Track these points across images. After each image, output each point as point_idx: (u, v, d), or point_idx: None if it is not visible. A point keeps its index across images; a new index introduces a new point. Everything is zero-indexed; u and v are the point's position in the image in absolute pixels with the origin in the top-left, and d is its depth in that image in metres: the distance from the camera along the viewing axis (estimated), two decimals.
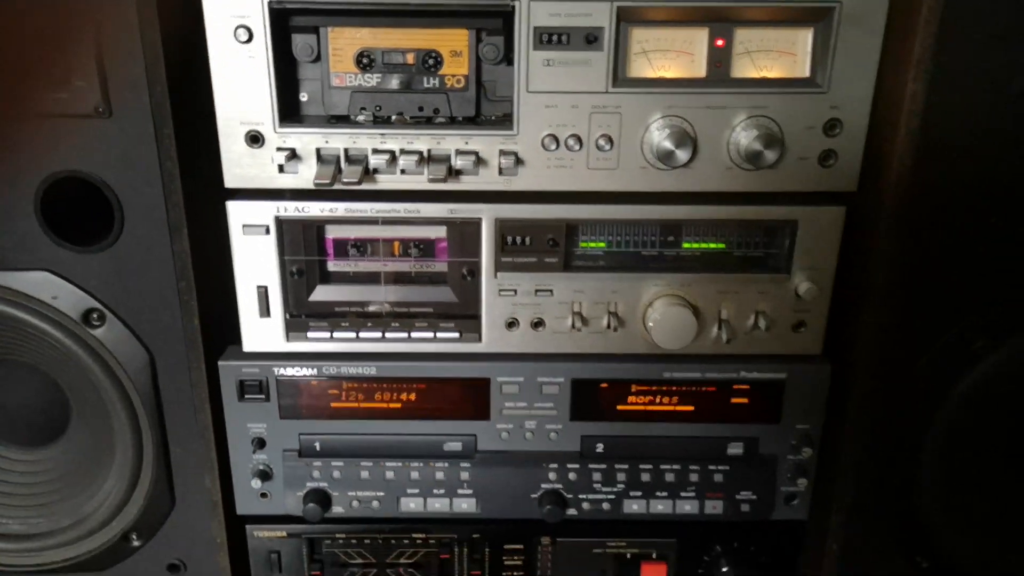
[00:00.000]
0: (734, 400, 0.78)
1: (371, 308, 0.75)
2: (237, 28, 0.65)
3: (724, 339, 0.74)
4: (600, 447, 0.79)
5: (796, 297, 0.74)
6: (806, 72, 0.68)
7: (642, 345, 0.76)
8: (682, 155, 0.67)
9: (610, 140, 0.69)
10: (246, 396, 0.77)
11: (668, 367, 0.76)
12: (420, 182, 0.70)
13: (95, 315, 0.75)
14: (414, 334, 0.75)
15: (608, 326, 0.75)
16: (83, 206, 0.73)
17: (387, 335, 0.75)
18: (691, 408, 0.78)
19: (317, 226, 0.72)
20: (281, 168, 0.69)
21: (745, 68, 0.68)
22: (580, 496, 0.79)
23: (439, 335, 0.75)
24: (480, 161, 0.69)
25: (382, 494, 0.80)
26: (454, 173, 0.70)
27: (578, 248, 0.74)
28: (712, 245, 0.74)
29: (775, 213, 0.71)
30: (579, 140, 0.69)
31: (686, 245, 0.74)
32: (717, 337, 0.75)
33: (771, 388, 0.77)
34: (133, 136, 0.69)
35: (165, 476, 0.81)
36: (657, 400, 0.78)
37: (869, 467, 0.76)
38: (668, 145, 0.67)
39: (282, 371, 0.76)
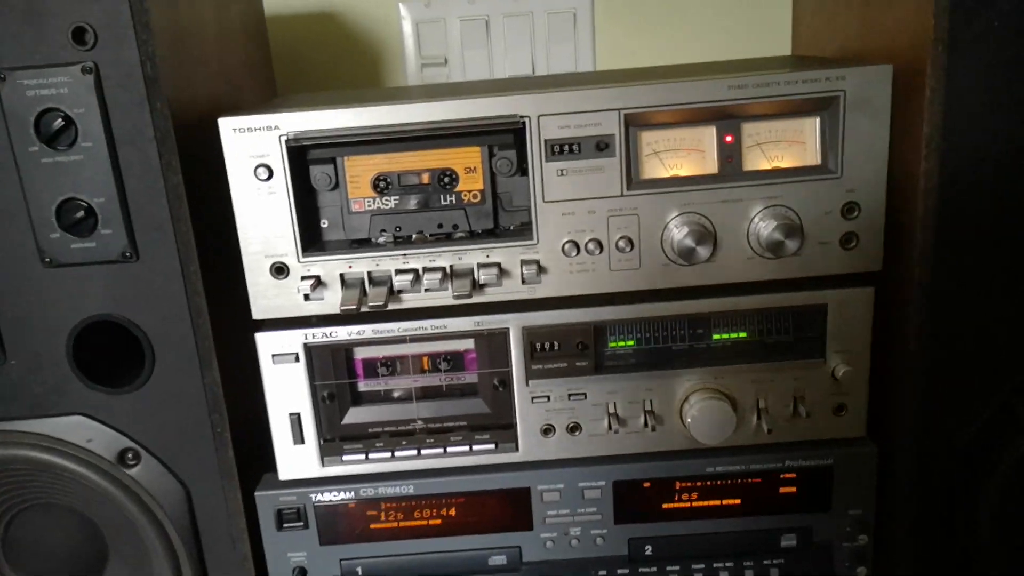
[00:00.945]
0: (782, 490, 0.76)
1: (405, 427, 0.74)
2: (257, 167, 0.67)
3: (765, 429, 0.73)
4: (649, 549, 0.77)
5: (833, 380, 0.73)
6: (817, 159, 0.68)
7: (682, 441, 0.75)
8: (703, 251, 0.67)
9: (630, 241, 0.69)
10: (284, 525, 0.76)
11: (711, 462, 0.75)
12: (445, 298, 0.70)
13: (130, 455, 0.75)
14: (450, 448, 0.74)
15: (645, 425, 0.74)
16: (114, 346, 0.74)
17: (423, 452, 0.74)
18: (738, 502, 0.76)
19: (345, 349, 0.73)
20: (307, 296, 0.70)
21: (757, 160, 0.68)
22: None
23: (475, 447, 0.74)
24: (503, 272, 0.70)
25: None
26: (478, 286, 0.70)
27: (608, 348, 0.73)
28: (742, 335, 0.74)
29: (802, 299, 0.70)
30: (599, 244, 0.69)
31: (716, 337, 0.74)
32: (757, 427, 0.74)
33: (819, 475, 0.75)
34: (160, 276, 0.70)
35: None
36: (703, 496, 0.76)
37: (927, 547, 0.73)
38: (689, 243, 0.67)
39: (319, 496, 0.75)
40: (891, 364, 0.72)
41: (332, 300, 0.70)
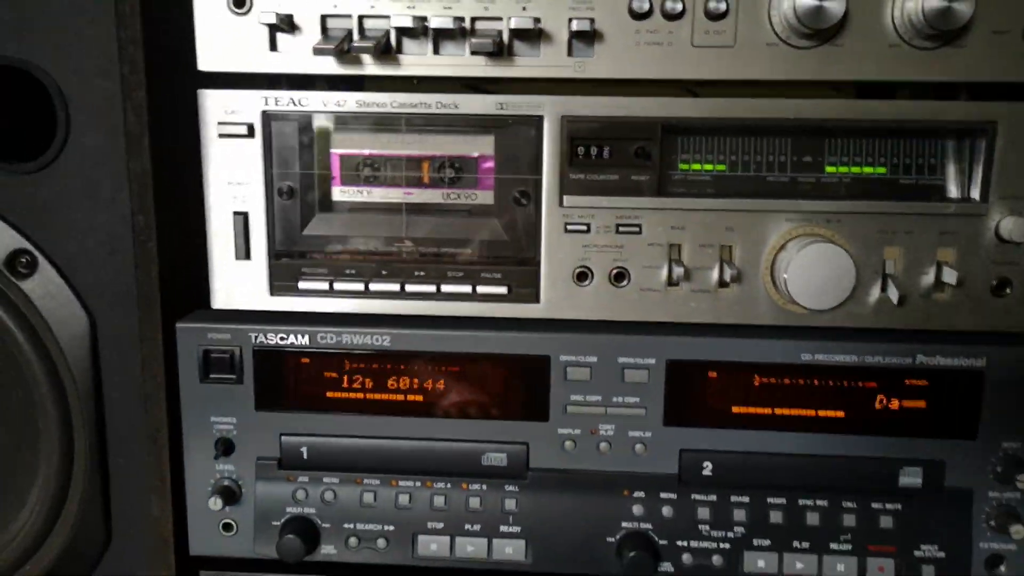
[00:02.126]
0: (907, 402, 0.53)
1: (388, 248, 0.54)
2: None
3: (894, 302, 0.51)
4: (708, 468, 0.54)
5: (997, 240, 0.51)
6: None
7: (769, 311, 0.53)
8: (834, 7, 0.47)
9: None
10: (211, 375, 0.55)
11: (808, 346, 0.53)
12: (460, 64, 0.51)
13: (24, 259, 0.56)
14: (445, 287, 0.54)
15: (720, 281, 0.52)
16: (16, 112, 0.56)
17: (408, 287, 0.54)
18: (841, 414, 0.54)
19: (319, 131, 0.53)
20: (273, 42, 0.51)
21: None
22: (678, 543, 0.54)
23: (480, 290, 0.54)
24: (543, 35, 0.50)
25: (392, 528, 0.56)
26: (506, 52, 0.50)
27: (677, 168, 0.53)
28: (867, 170, 0.52)
29: (964, 111, 0.50)
30: (681, 1, 0.49)
31: (830, 169, 0.52)
32: (880, 302, 0.52)
33: (963, 383, 0.53)
34: (76, 7, 0.52)
35: (100, 497, 0.59)
36: (792, 399, 0.54)
37: None
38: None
39: (262, 338, 0.55)
40: None
41: (306, 56, 0.51)
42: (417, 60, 0.52)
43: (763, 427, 0.54)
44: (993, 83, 0.50)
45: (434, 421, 0.55)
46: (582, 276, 0.54)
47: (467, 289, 0.54)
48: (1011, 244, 0.51)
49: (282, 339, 0.55)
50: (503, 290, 0.54)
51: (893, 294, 0.51)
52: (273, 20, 0.50)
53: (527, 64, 0.51)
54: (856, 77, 0.50)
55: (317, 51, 0.49)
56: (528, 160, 0.53)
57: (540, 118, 0.52)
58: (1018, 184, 0.51)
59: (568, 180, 0.52)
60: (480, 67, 0.51)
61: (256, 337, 0.55)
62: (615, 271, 0.53)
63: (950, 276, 0.51)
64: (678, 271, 0.52)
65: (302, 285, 0.54)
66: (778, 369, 0.54)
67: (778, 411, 0.54)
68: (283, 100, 0.52)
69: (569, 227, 0.53)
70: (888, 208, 0.52)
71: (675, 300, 0.54)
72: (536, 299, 0.54)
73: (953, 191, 0.52)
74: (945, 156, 0.52)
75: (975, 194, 0.52)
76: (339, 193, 0.55)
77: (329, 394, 0.56)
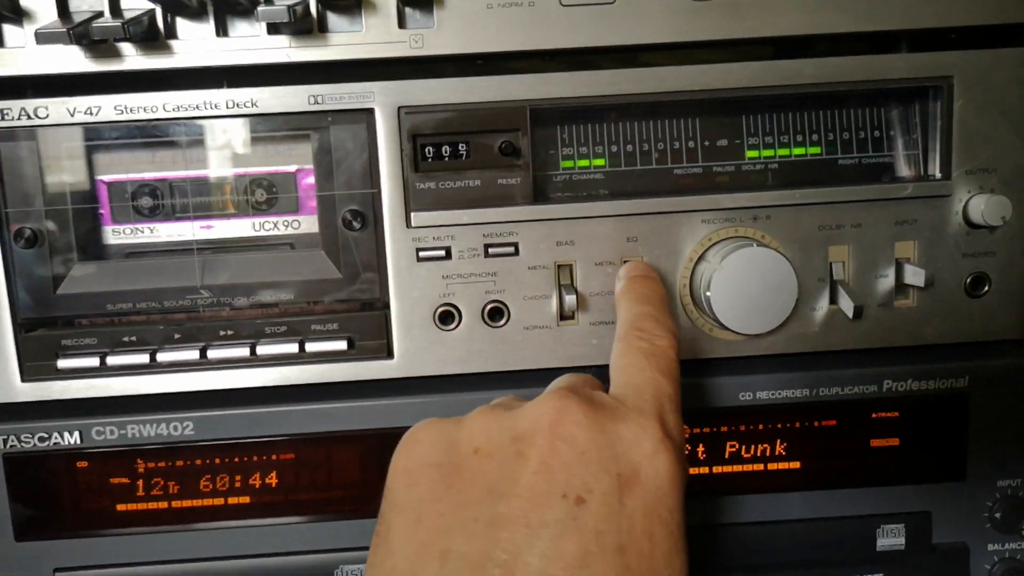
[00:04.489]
0: (876, 441, 0.42)
1: (180, 302, 0.40)
2: None
3: (848, 315, 0.39)
4: None
5: (967, 226, 0.40)
6: None
7: (694, 341, 0.41)
8: None
9: None
10: None
11: (746, 382, 0.41)
12: (257, 49, 0.38)
13: None
14: (263, 349, 0.40)
15: None
16: None
17: (211, 354, 0.40)
18: (797, 464, 0.42)
19: (70, 152, 0.39)
20: None
21: None
22: None
23: (311, 347, 0.40)
24: (364, 2, 0.37)
25: None
26: (316, 27, 0.37)
27: (558, 166, 0.40)
28: (798, 151, 0.41)
29: (909, 66, 0.39)
30: None
31: (751, 154, 0.41)
32: (831, 317, 0.41)
33: (943, 411, 0.41)
34: None
35: None
36: (731, 450, 0.41)
37: None
38: None
39: (15, 441, 0.40)
40: None
41: (45, 52, 0.37)
42: (196, 47, 0.38)
43: (698, 493, 0.41)
44: (942, 29, 0.40)
45: (270, 529, 0.41)
46: (446, 317, 0.40)
47: (293, 348, 0.40)
48: (983, 230, 0.40)
49: (43, 439, 0.40)
50: (342, 345, 0.40)
51: (846, 305, 0.40)
52: None
53: (347, 42, 0.38)
54: (771, 33, 0.39)
55: (42, 38, 0.35)
56: (359, 169, 0.39)
57: (370, 112, 0.39)
58: (984, 153, 0.40)
59: (415, 191, 0.39)
60: (284, 50, 0.38)
61: (6, 440, 0.40)
62: (489, 307, 0.40)
63: (915, 276, 0.40)
64: (571, 300, 0.40)
65: (63, 364, 0.39)
66: (712, 414, 0.41)
67: (716, 469, 0.42)
68: (12, 112, 0.38)
69: (422, 254, 0.40)
70: (828, 196, 0.40)
71: (571, 339, 0.41)
72: (388, 353, 0.41)
73: (906, 169, 0.41)
74: (892, 126, 0.41)
75: (934, 170, 0.41)
76: (111, 234, 0.40)
77: (120, 507, 0.41)
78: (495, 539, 0.26)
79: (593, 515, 0.27)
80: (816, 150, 0.41)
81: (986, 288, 0.41)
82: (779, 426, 0.41)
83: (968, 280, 0.41)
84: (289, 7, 0.36)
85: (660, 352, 0.32)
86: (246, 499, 0.41)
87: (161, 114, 0.39)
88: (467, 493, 0.28)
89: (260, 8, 0.36)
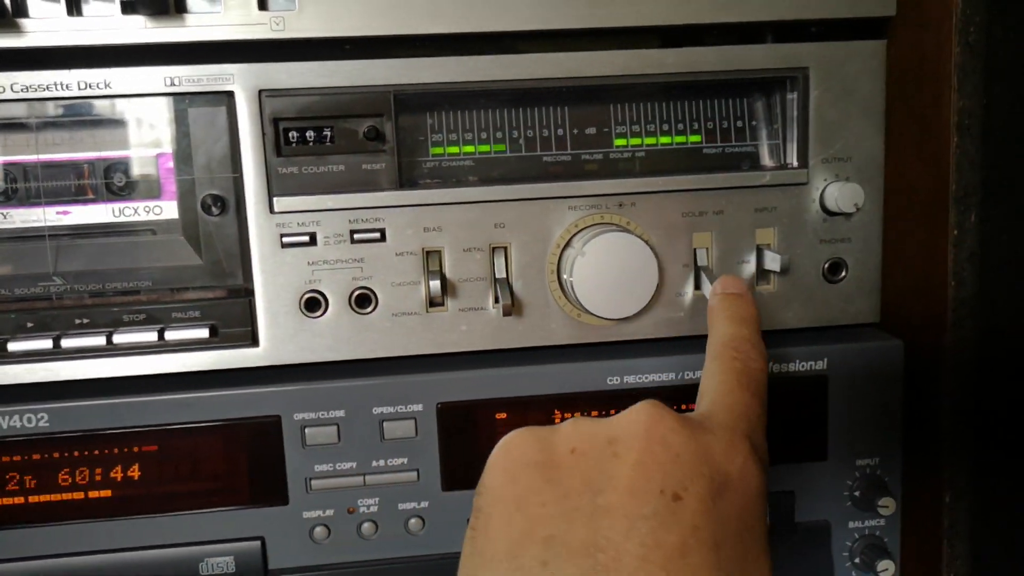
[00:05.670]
0: None
1: (32, 290, 0.38)
2: None
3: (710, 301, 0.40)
4: None
5: (824, 213, 0.41)
6: None
7: (563, 327, 0.42)
8: None
9: None
10: None
11: (613, 367, 0.41)
12: (110, 29, 0.37)
13: None
14: (120, 337, 0.39)
15: (496, 297, 0.40)
16: None
17: (65, 343, 0.38)
18: None
19: None
20: None
21: None
22: None
23: (171, 335, 0.39)
24: None
25: None
26: (173, 8, 0.37)
27: (428, 152, 0.40)
28: (664, 140, 0.42)
29: (767, 57, 0.40)
30: None
31: (619, 142, 0.41)
32: (696, 303, 0.41)
33: (805, 393, 0.42)
34: None
35: None
36: None
37: (991, 520, 0.41)
38: None
39: None
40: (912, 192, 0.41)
41: None
42: (48, 25, 0.37)
43: None
44: (802, 21, 0.41)
45: (131, 523, 0.40)
46: (312, 304, 0.40)
47: (151, 337, 0.39)
48: (840, 217, 0.42)
49: None
50: (203, 333, 0.39)
51: (708, 291, 0.41)
52: None
53: (204, 23, 0.38)
54: (635, 23, 0.40)
55: None
56: (220, 154, 0.39)
57: (230, 95, 0.38)
58: (839, 142, 0.41)
59: (278, 176, 0.39)
60: (139, 31, 0.37)
61: None
62: (356, 293, 0.40)
63: (773, 262, 0.41)
64: (438, 286, 0.40)
65: None
66: (582, 399, 0.42)
67: None
68: None
69: (287, 239, 0.39)
70: (692, 183, 0.41)
71: (440, 325, 0.41)
72: (253, 341, 0.40)
73: (769, 158, 0.42)
74: (756, 116, 0.42)
75: (792, 159, 0.42)
76: None
77: None
78: (596, 527, 0.27)
79: (690, 511, 0.28)
80: (682, 139, 0.42)
81: (843, 274, 0.43)
82: None
83: (826, 266, 0.42)
84: None
85: (753, 374, 0.33)
86: (107, 492, 0.40)
87: (9, 95, 0.37)
88: (567, 486, 0.29)
89: None
